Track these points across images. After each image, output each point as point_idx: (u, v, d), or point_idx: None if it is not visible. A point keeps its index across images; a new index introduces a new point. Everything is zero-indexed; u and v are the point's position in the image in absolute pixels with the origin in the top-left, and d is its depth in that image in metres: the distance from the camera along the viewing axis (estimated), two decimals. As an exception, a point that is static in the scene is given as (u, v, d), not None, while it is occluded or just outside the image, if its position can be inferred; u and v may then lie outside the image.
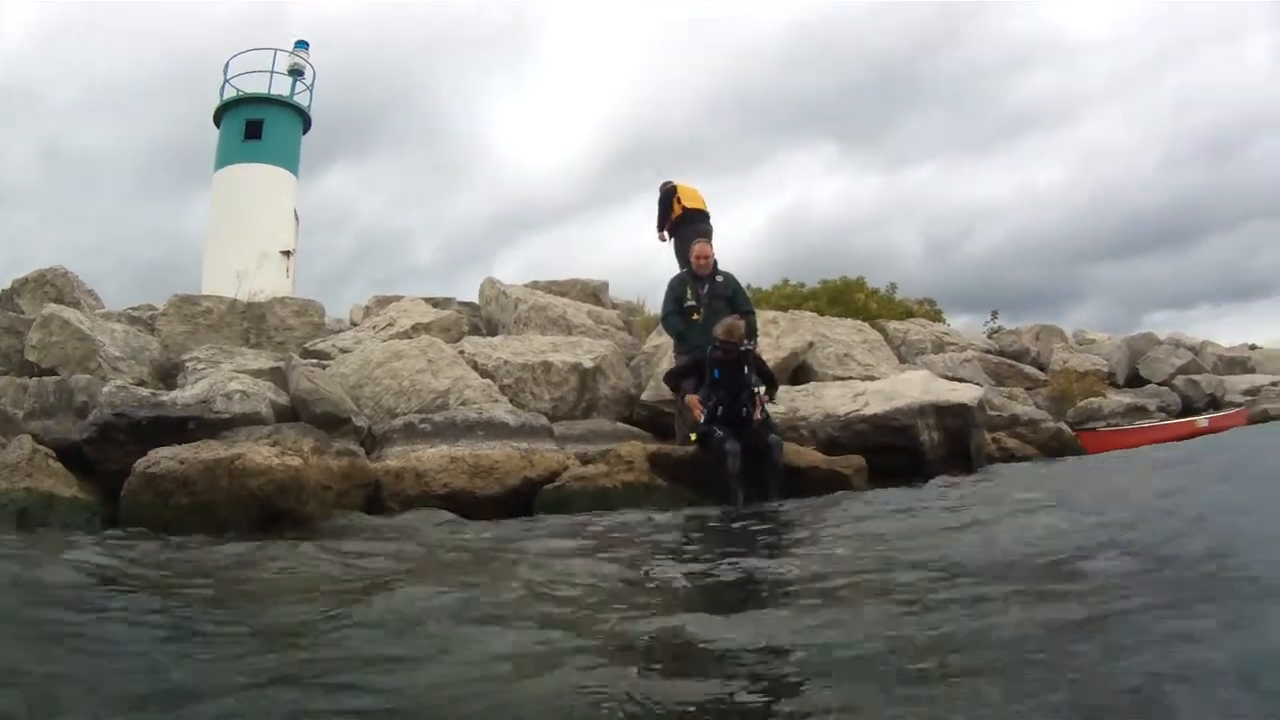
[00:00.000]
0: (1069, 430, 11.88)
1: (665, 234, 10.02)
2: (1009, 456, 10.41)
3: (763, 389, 7.23)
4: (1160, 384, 17.21)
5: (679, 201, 9.90)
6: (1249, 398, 17.75)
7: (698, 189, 10.24)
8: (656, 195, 10.23)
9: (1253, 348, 24.38)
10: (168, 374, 9.02)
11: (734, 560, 3.72)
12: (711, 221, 9.92)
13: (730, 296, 8.20)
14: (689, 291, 8.14)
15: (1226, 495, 4.53)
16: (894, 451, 8.01)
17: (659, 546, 4.48)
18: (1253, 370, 20.71)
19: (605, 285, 14.16)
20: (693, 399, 7.16)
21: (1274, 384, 19.93)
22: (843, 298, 15.86)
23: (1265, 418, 16.65)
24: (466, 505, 6.34)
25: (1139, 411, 14.67)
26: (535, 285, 13.10)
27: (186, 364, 8.83)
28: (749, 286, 15.68)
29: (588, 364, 9.14)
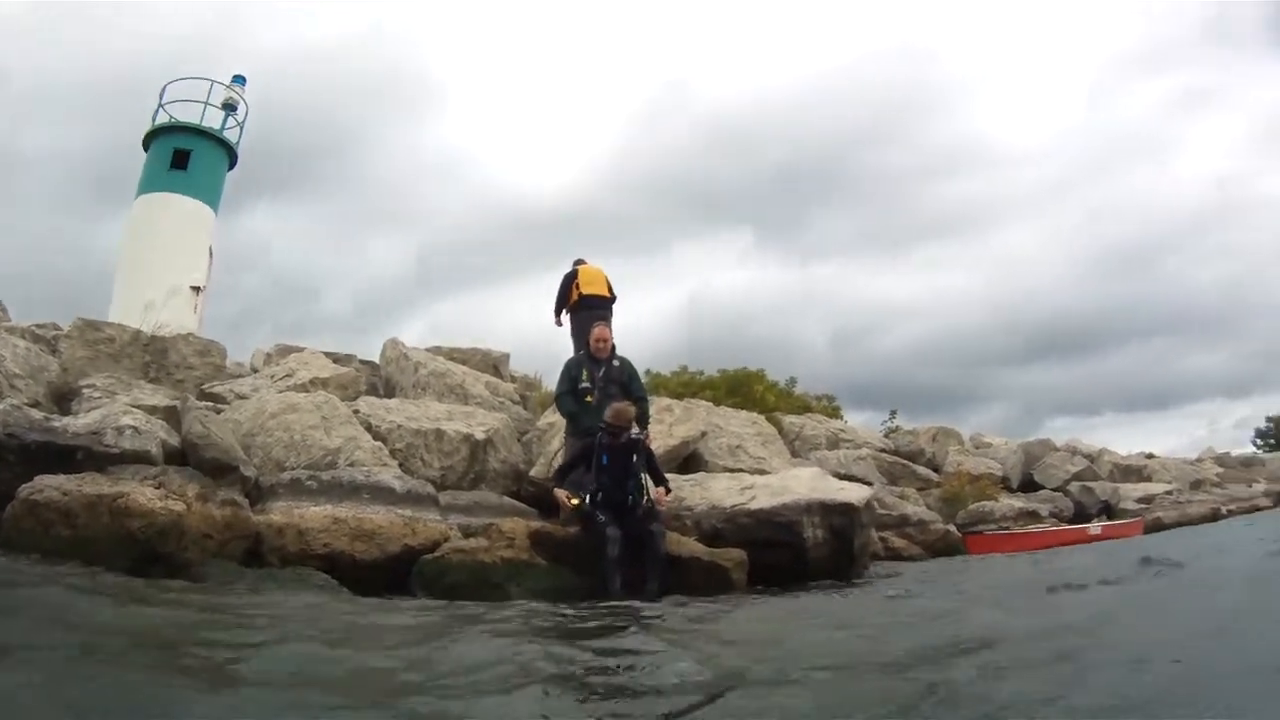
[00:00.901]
0: (956, 533, 12.71)
1: (560, 319, 10.96)
2: (895, 556, 11.13)
3: (649, 481, 7.74)
4: (1054, 489, 18.44)
5: (578, 287, 10.80)
6: (1143, 505, 19.15)
7: (602, 271, 11.13)
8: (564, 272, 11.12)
9: (1149, 456, 26.25)
10: (63, 398, 9.16)
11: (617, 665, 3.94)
12: (614, 306, 10.77)
13: (625, 382, 8.73)
14: (585, 373, 8.67)
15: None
16: (778, 547, 8.44)
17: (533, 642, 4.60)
18: (1149, 479, 22.29)
19: (506, 357, 14.86)
20: (561, 493, 7.67)
21: (1168, 493, 21.55)
22: (741, 388, 16.71)
23: (1159, 526, 17.97)
24: (345, 568, 6.66)
25: (1031, 516, 15.69)
26: (438, 350, 13.63)
27: (83, 390, 8.99)
28: (648, 371, 16.54)
29: (479, 435, 9.56)
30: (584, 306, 10.72)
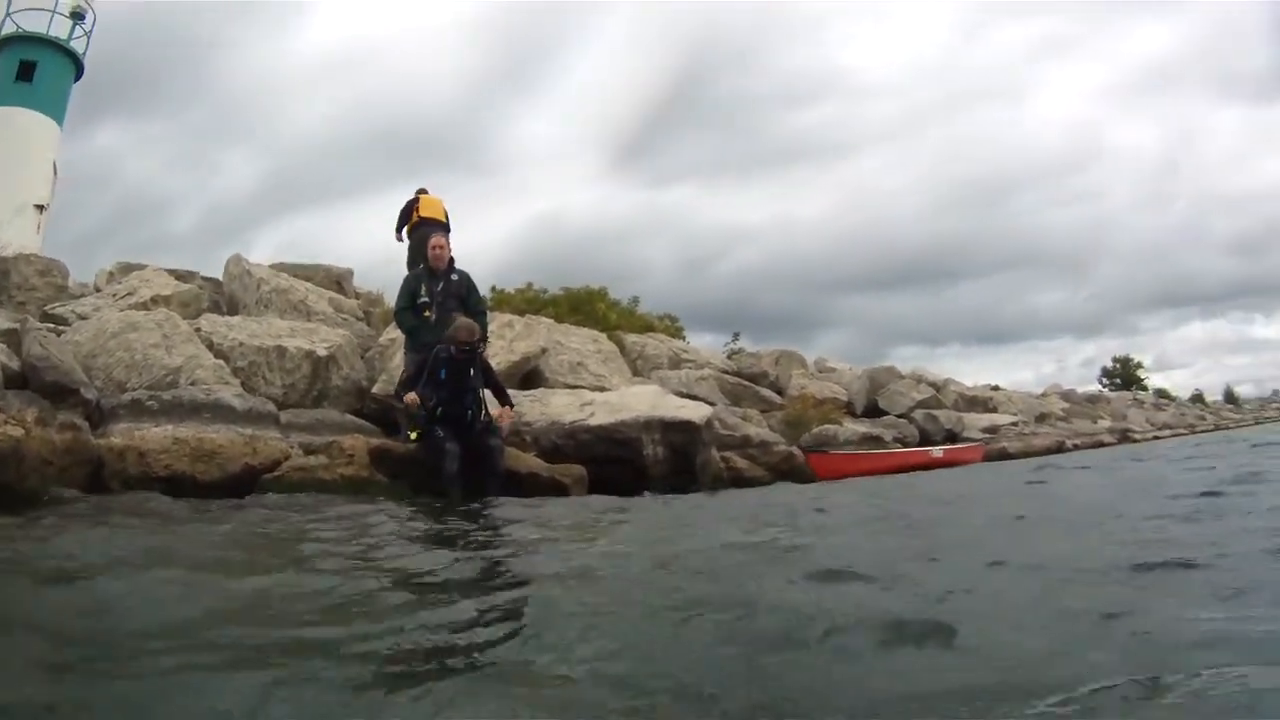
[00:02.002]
0: (800, 455, 13.76)
1: (400, 235, 11.80)
2: (738, 477, 11.82)
3: (488, 396, 8.36)
4: (899, 416, 19.89)
5: (417, 211, 11.67)
6: (988, 435, 20.98)
7: (441, 201, 11.98)
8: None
9: (995, 388, 28.46)
10: (-101, 320, 9.18)
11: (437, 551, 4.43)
12: (450, 234, 11.51)
13: (464, 295, 9.26)
14: (423, 288, 9.17)
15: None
16: (618, 464, 9.21)
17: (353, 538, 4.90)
18: (994, 410, 24.25)
19: (350, 273, 15.48)
20: (411, 396, 8.09)
21: (1013, 424, 23.54)
22: (583, 306, 17.43)
23: (1003, 455, 19.70)
24: (187, 489, 6.96)
25: (874, 441, 17.01)
26: (281, 267, 13.96)
27: (-80, 313, 9.07)
28: (493, 288, 17.16)
29: (321, 352, 10.01)
30: (422, 227, 11.44)
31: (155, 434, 7.48)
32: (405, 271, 11.33)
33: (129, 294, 11.34)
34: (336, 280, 14.91)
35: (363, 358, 10.98)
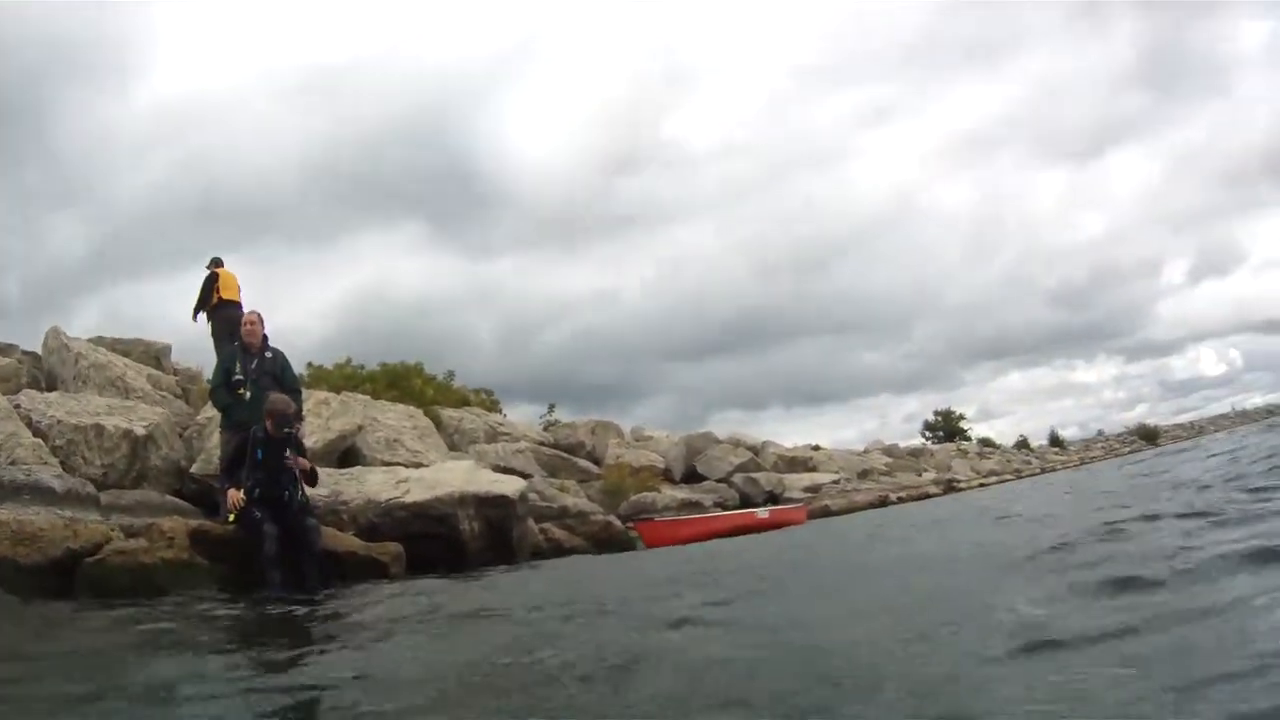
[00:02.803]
0: (619, 524, 14.68)
1: (197, 317, 12.55)
2: (557, 547, 12.48)
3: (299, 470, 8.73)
4: (719, 480, 21.28)
5: (218, 290, 12.41)
6: (809, 494, 22.55)
7: (235, 277, 12.84)
8: (212, 267, 12.62)
9: (816, 448, 30.30)
10: None
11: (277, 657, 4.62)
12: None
13: (278, 373, 9.75)
14: (238, 366, 9.64)
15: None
16: (435, 540, 9.83)
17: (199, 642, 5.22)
18: (814, 469, 25.88)
19: (168, 349, 15.91)
20: (234, 494, 8.40)
21: (835, 482, 25.27)
22: (400, 382, 18.16)
23: (826, 513, 21.25)
24: (8, 572, 7.19)
25: (694, 506, 18.17)
26: (100, 341, 14.33)
27: None
28: (309, 364, 17.81)
29: (140, 431, 10.42)
30: (222, 308, 12.25)
31: (-26, 515, 7.65)
32: (213, 349, 12.11)
33: (-54, 368, 11.35)
34: (155, 355, 15.34)
35: (181, 436, 11.39)
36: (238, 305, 12.29)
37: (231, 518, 8.41)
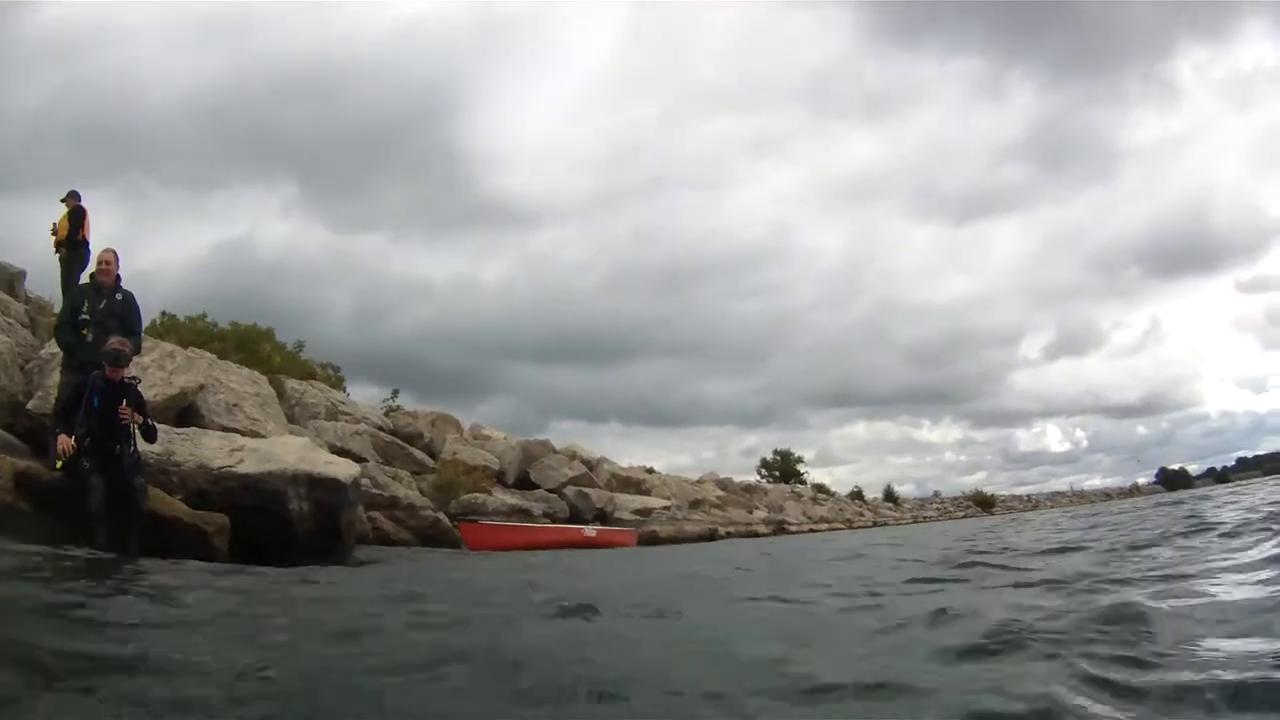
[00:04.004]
0: (448, 521, 14.88)
1: (65, 248, 12.38)
2: (384, 538, 12.74)
3: (137, 429, 8.77)
4: (550, 490, 21.72)
5: (85, 228, 12.47)
6: (639, 518, 23.15)
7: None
8: (68, 202, 12.71)
9: (650, 471, 30.85)
10: None
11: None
12: None
13: (125, 315, 9.70)
14: (86, 304, 9.61)
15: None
16: (263, 515, 9.87)
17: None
18: (647, 493, 26.41)
19: (23, 275, 15.38)
20: (65, 441, 8.27)
21: (666, 508, 25.92)
22: (249, 345, 18.16)
23: (655, 539, 21.78)
24: None
25: (524, 514, 18.57)
26: None
27: None
28: (163, 313, 17.65)
29: None
30: (83, 246, 12.32)
31: None
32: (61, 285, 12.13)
33: None
34: (9, 280, 14.85)
35: (22, 369, 11.18)
36: (88, 246, 12.37)
37: (59, 465, 8.36)
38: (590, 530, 19.44)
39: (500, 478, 20.82)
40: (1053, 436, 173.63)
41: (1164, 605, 4.60)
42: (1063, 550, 9.99)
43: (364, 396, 22.81)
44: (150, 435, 9.10)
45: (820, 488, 60.92)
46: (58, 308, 12.77)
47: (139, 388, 9.26)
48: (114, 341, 8.77)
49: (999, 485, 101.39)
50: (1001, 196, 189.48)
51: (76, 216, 12.59)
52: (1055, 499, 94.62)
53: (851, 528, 42.19)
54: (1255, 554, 7.04)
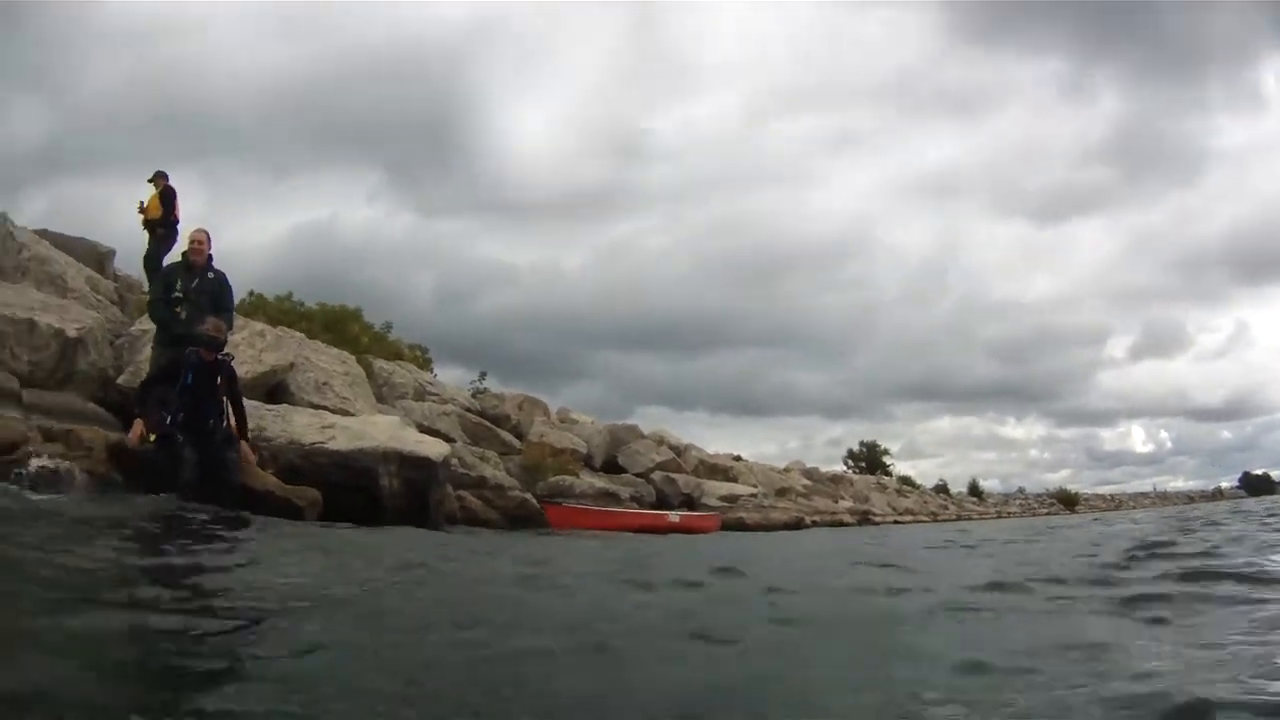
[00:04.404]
0: (534, 502, 14.82)
1: (160, 227, 12.57)
2: (471, 517, 12.67)
3: (230, 407, 8.90)
4: (638, 475, 21.57)
5: (177, 208, 12.73)
6: (726, 504, 22.88)
7: None
8: (157, 182, 12.95)
9: (737, 458, 30.64)
10: None
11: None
12: None
13: (217, 294, 9.83)
14: (179, 283, 9.76)
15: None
16: (353, 491, 9.90)
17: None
18: (734, 479, 26.16)
19: (112, 253, 15.97)
20: (138, 428, 8.44)
21: (752, 495, 25.63)
22: (337, 325, 18.22)
23: (741, 525, 21.56)
24: None
25: (610, 497, 18.43)
26: (45, 234, 14.11)
27: None
28: (251, 292, 17.85)
29: (72, 332, 10.38)
30: (172, 228, 12.55)
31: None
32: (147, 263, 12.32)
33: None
34: (98, 258, 15.30)
35: (112, 345, 11.36)
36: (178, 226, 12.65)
37: (152, 438, 8.43)
38: (674, 516, 19.24)
39: (587, 461, 20.69)
40: (1137, 437, 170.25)
41: None
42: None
43: (451, 378, 22.84)
44: (240, 417, 9.15)
45: (906, 480, 59.91)
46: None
47: (232, 366, 9.25)
48: (210, 326, 8.79)
49: (1083, 484, 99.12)
50: (1086, 197, 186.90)
51: (168, 197, 12.80)
52: (1138, 499, 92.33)
53: (936, 520, 41.44)
54: None
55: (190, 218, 13.00)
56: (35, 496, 7.02)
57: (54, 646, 2.85)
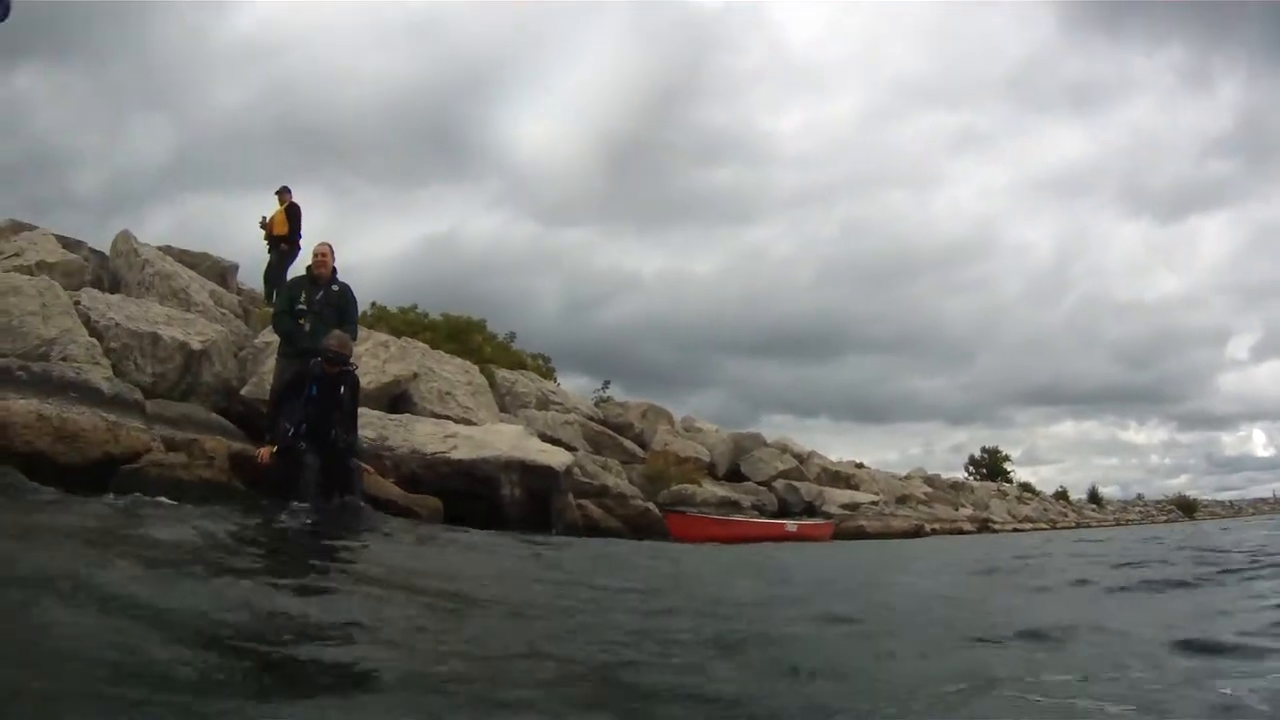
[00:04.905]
0: (656, 511, 14.51)
1: (285, 243, 12.89)
2: (592, 525, 12.38)
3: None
4: (760, 483, 21.14)
5: (301, 226, 12.98)
6: (846, 512, 22.35)
7: None
8: (282, 198, 13.42)
9: (859, 466, 30.03)
10: None
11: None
12: None
13: (342, 307, 9.68)
14: (304, 295, 9.60)
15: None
16: (474, 499, 9.81)
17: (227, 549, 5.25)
18: (856, 487, 25.61)
19: (235, 268, 16.11)
20: (264, 451, 8.34)
21: (873, 502, 25.00)
22: (460, 335, 18.05)
23: (860, 534, 21.04)
24: (44, 468, 7.17)
25: (732, 506, 18.07)
26: (168, 250, 14.35)
27: None
28: (373, 304, 17.99)
29: (195, 345, 10.52)
30: (295, 243, 12.74)
31: (20, 406, 7.64)
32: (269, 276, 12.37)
33: (15, 255, 11.54)
34: (221, 273, 15.49)
35: (236, 356, 11.46)
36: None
37: (273, 449, 8.39)
38: (791, 525, 18.87)
39: (711, 469, 20.37)
40: (1258, 441, 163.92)
41: None
42: None
43: (574, 387, 22.66)
44: (351, 429, 8.99)
45: (1026, 486, 58.45)
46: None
47: (356, 374, 9.19)
48: (335, 341, 8.69)
49: (1202, 489, 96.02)
50: (1209, 191, 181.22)
51: (294, 213, 12.95)
52: (1258, 505, 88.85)
53: (1055, 528, 40.20)
54: None
55: (313, 232, 13.21)
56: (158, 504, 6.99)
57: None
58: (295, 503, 7.78)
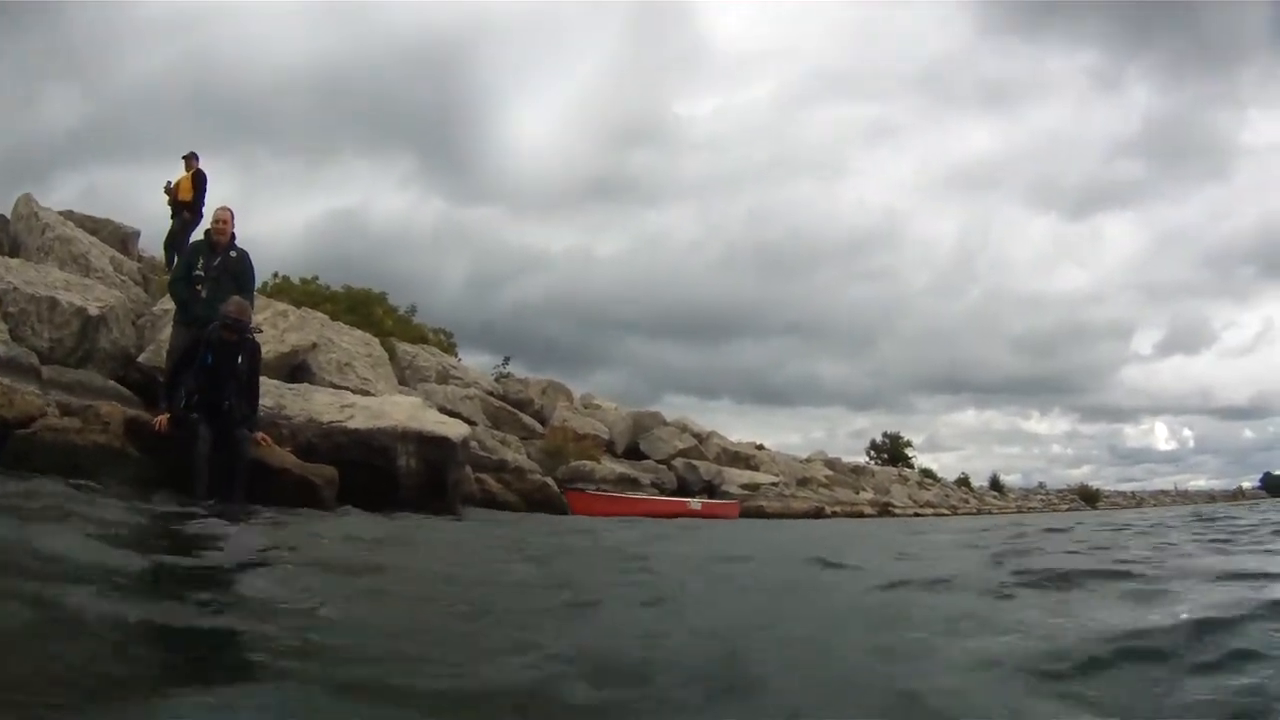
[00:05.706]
0: (554, 486, 14.68)
1: (188, 211, 12.85)
2: (490, 499, 12.60)
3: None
4: (659, 461, 21.45)
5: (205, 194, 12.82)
6: (747, 492, 22.74)
7: None
8: (189, 163, 13.27)
9: (760, 447, 30.48)
10: None
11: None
12: None
13: (239, 274, 9.65)
14: (201, 261, 9.58)
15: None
16: (371, 470, 9.76)
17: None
18: (756, 468, 26.03)
19: (136, 234, 16.17)
20: (162, 419, 8.31)
21: (774, 484, 25.45)
22: (361, 308, 18.24)
23: (761, 513, 21.42)
24: None
25: (631, 483, 18.32)
26: (70, 215, 14.28)
27: None
28: (275, 274, 17.92)
29: (93, 311, 10.48)
30: (199, 211, 12.72)
31: (-95, 371, 7.50)
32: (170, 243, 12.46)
33: (-88, 218, 11.25)
34: (123, 239, 15.50)
35: (135, 324, 11.44)
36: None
37: (167, 418, 8.35)
38: (695, 503, 19.17)
39: (610, 447, 20.60)
40: (1160, 434, 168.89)
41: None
42: None
43: (477, 363, 22.81)
44: (253, 405, 8.98)
45: (927, 472, 59.58)
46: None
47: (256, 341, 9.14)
48: (234, 306, 8.61)
49: (1104, 480, 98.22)
50: (1117, 191, 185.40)
51: (200, 180, 12.85)
52: (1159, 497, 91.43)
53: (955, 514, 41.07)
54: None
55: (221, 202, 13.12)
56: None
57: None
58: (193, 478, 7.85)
